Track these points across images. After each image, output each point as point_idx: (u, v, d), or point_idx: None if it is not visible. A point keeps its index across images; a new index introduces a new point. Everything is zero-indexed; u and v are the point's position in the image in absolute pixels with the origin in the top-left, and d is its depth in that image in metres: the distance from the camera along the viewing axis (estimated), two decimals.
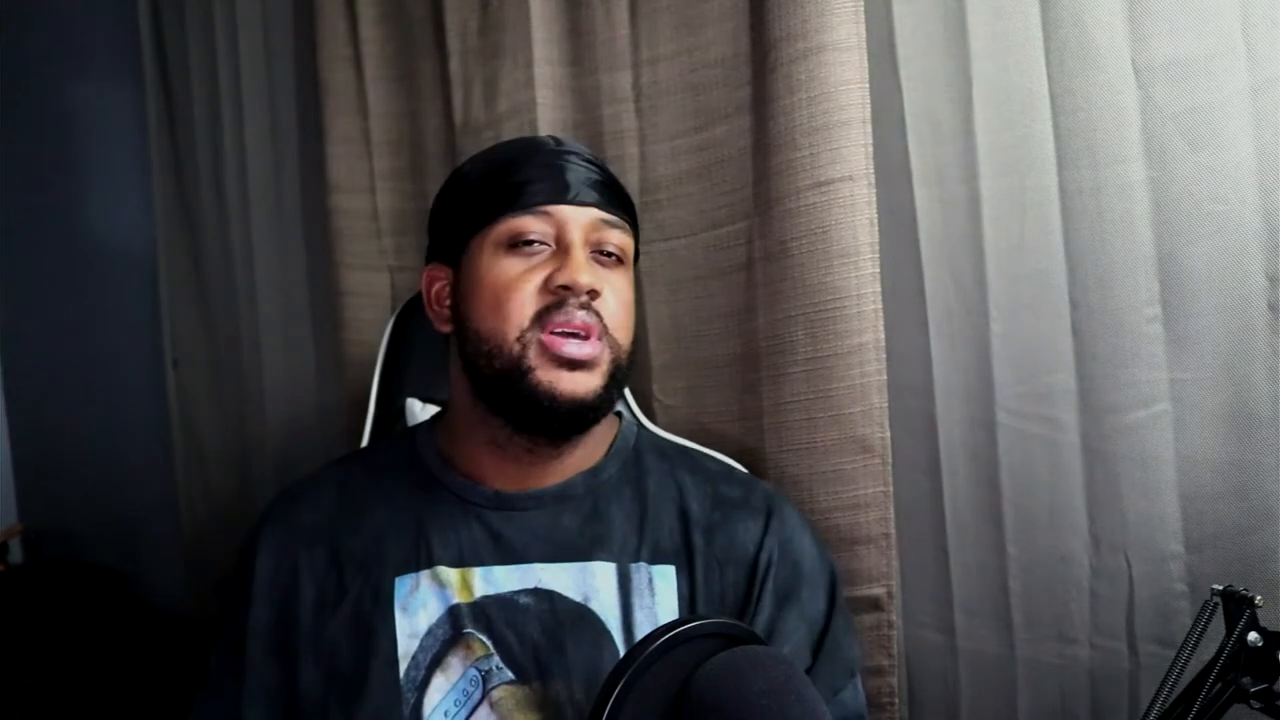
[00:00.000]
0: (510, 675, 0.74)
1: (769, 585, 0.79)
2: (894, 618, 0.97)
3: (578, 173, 0.79)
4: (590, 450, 0.83)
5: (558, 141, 0.83)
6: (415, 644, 0.75)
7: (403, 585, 0.77)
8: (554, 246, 0.77)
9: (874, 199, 0.94)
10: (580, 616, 0.76)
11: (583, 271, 0.75)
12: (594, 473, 0.82)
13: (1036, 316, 0.94)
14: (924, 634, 1.03)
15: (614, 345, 0.77)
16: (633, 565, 0.78)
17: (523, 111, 1.16)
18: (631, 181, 1.12)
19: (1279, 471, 0.85)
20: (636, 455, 0.86)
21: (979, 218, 0.96)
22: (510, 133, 1.16)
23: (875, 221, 0.94)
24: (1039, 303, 0.94)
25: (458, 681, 0.74)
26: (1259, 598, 0.74)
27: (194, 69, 1.60)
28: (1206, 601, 0.76)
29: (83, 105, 1.90)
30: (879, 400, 0.95)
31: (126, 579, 1.82)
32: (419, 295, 1.12)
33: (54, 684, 1.63)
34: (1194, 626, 0.75)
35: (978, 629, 1.00)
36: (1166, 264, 0.88)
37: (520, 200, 0.77)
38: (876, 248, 0.94)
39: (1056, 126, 0.92)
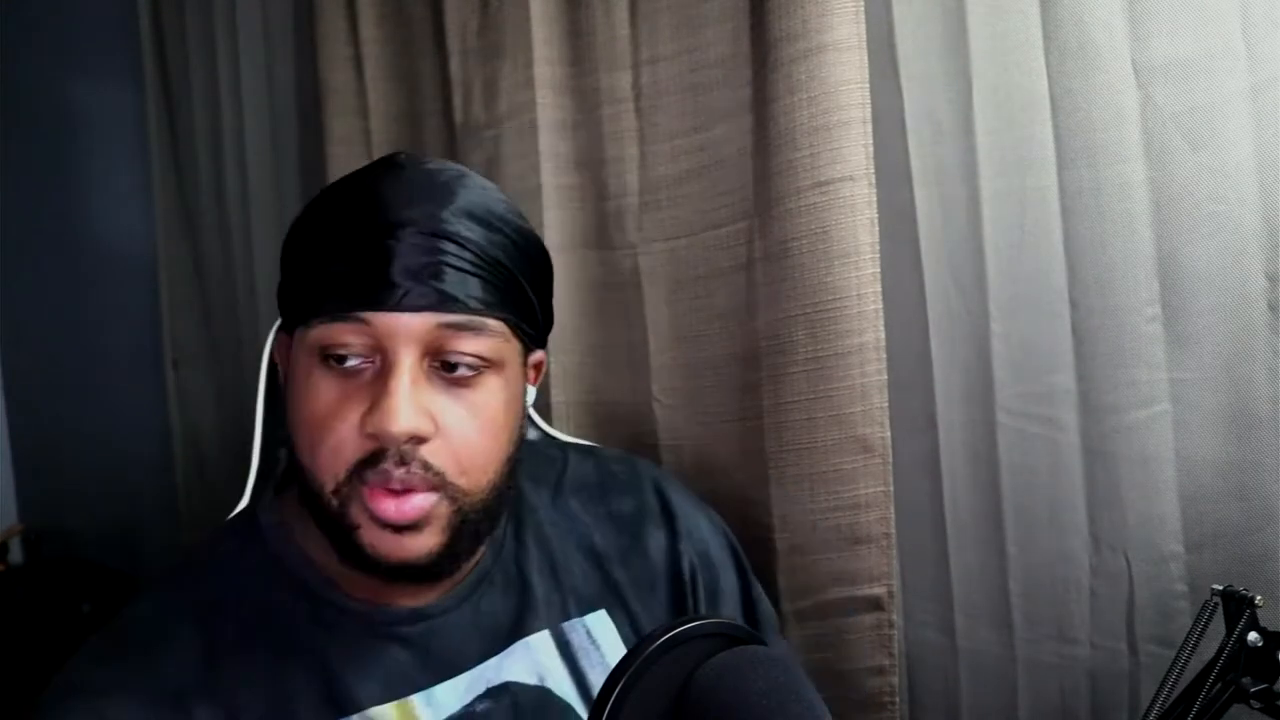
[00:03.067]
0: None
1: (700, 590, 0.77)
2: (894, 617, 0.97)
3: (410, 256, 0.58)
4: None
5: (407, 197, 0.60)
6: None
7: None
8: (376, 365, 0.60)
9: (874, 199, 0.94)
10: (541, 701, 0.69)
11: (398, 415, 0.57)
12: (493, 540, 0.71)
13: (1036, 316, 0.94)
14: (924, 634, 1.03)
15: (457, 494, 0.61)
16: (565, 625, 0.72)
17: (523, 111, 1.16)
18: (631, 181, 1.12)
19: (1279, 471, 0.85)
20: (517, 492, 0.74)
21: (979, 218, 0.96)
22: (510, 133, 1.16)
23: (876, 221, 0.94)
24: (1039, 303, 0.94)
25: None
26: (1259, 598, 0.74)
27: (194, 69, 1.60)
28: (1206, 601, 0.76)
29: (83, 105, 1.90)
30: (879, 400, 0.95)
31: (127, 579, 1.82)
32: None
33: None
34: (1194, 626, 0.75)
35: (978, 629, 1.00)
36: (1166, 264, 0.88)
37: (331, 302, 0.59)
38: (877, 248, 0.94)
39: (1056, 126, 0.92)
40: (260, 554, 0.68)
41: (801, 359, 0.97)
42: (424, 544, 0.61)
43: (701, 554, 0.79)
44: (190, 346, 1.67)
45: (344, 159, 1.33)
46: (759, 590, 0.84)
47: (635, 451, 0.96)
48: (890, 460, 0.95)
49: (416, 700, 0.65)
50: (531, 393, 0.70)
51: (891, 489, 0.96)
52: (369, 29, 1.31)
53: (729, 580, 0.81)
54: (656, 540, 0.77)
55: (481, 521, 0.64)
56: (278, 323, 0.95)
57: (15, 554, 1.93)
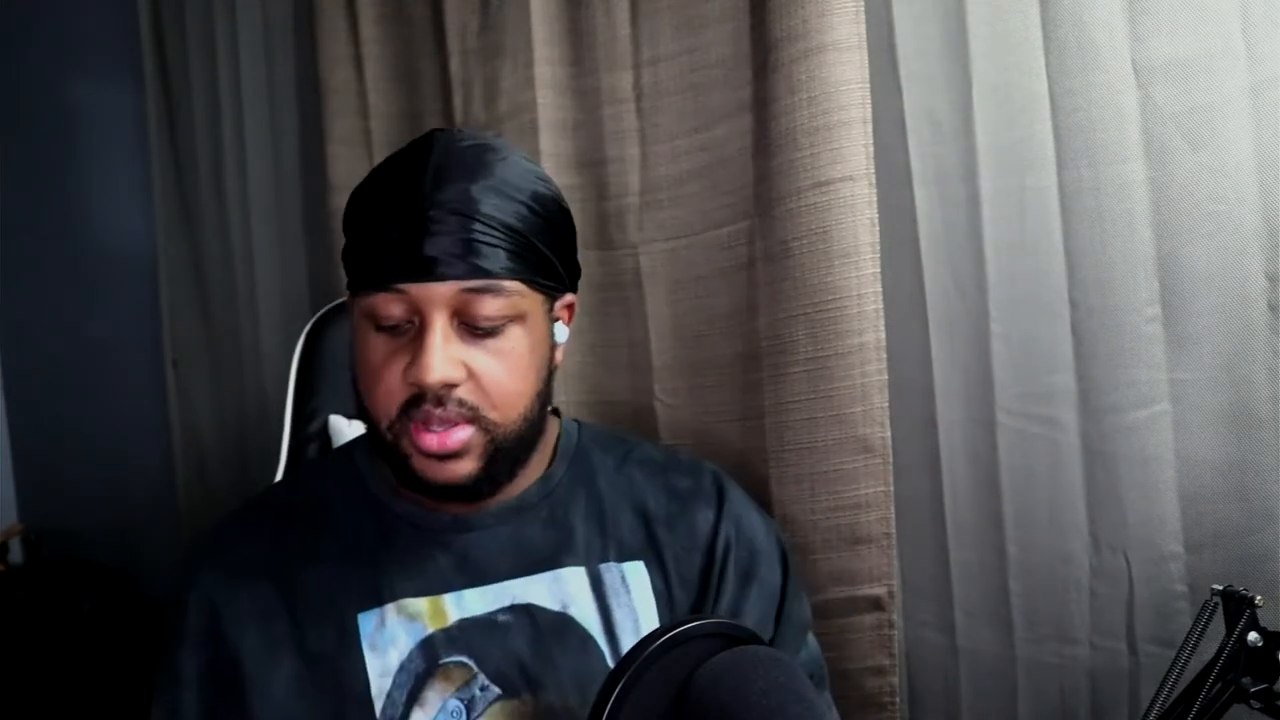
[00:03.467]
0: (498, 691, 0.73)
1: (729, 567, 0.81)
2: (895, 617, 0.97)
3: (440, 235, 0.67)
4: (535, 459, 0.79)
5: (435, 177, 0.69)
6: (389, 682, 0.72)
7: (367, 622, 0.74)
8: (416, 324, 0.70)
9: (874, 199, 0.94)
10: (562, 625, 0.75)
11: (433, 368, 0.67)
12: (545, 480, 0.80)
13: (1036, 316, 0.94)
14: (924, 634, 1.03)
15: (491, 426, 0.71)
16: (602, 566, 0.78)
17: (523, 111, 1.16)
18: (632, 182, 1.12)
19: (1279, 472, 0.85)
20: (581, 453, 0.83)
21: (979, 218, 0.96)
22: (510, 133, 1.16)
23: (876, 221, 0.94)
24: (1039, 303, 0.94)
25: (436, 715, 0.72)
26: (1259, 598, 0.74)
27: (194, 69, 1.60)
28: (1206, 601, 0.77)
29: (83, 105, 1.90)
30: (880, 400, 0.95)
31: (127, 578, 1.82)
32: (340, 304, 1.11)
33: (54, 684, 1.63)
34: (1194, 626, 0.76)
35: (978, 629, 1.00)
36: (1166, 264, 0.88)
37: (376, 275, 0.69)
38: (877, 248, 0.94)
39: (1056, 126, 0.92)
40: (344, 471, 0.82)
41: (802, 359, 0.97)
42: (463, 469, 0.71)
43: (745, 540, 0.83)
44: (190, 346, 1.67)
45: (344, 159, 1.33)
46: (797, 589, 0.85)
47: None
48: (890, 460, 0.96)
49: (447, 599, 0.75)
50: (564, 331, 0.79)
51: (892, 489, 0.96)
52: (369, 29, 1.31)
53: (770, 572, 0.83)
54: (704, 516, 0.82)
55: (516, 448, 0.74)
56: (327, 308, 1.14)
57: (15, 554, 1.93)
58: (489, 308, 0.69)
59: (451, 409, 0.69)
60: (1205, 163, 0.86)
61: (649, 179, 1.12)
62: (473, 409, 0.70)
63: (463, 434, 0.70)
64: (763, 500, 1.00)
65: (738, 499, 0.85)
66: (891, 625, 0.97)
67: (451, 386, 0.69)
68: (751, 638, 0.65)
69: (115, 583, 1.81)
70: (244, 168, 1.55)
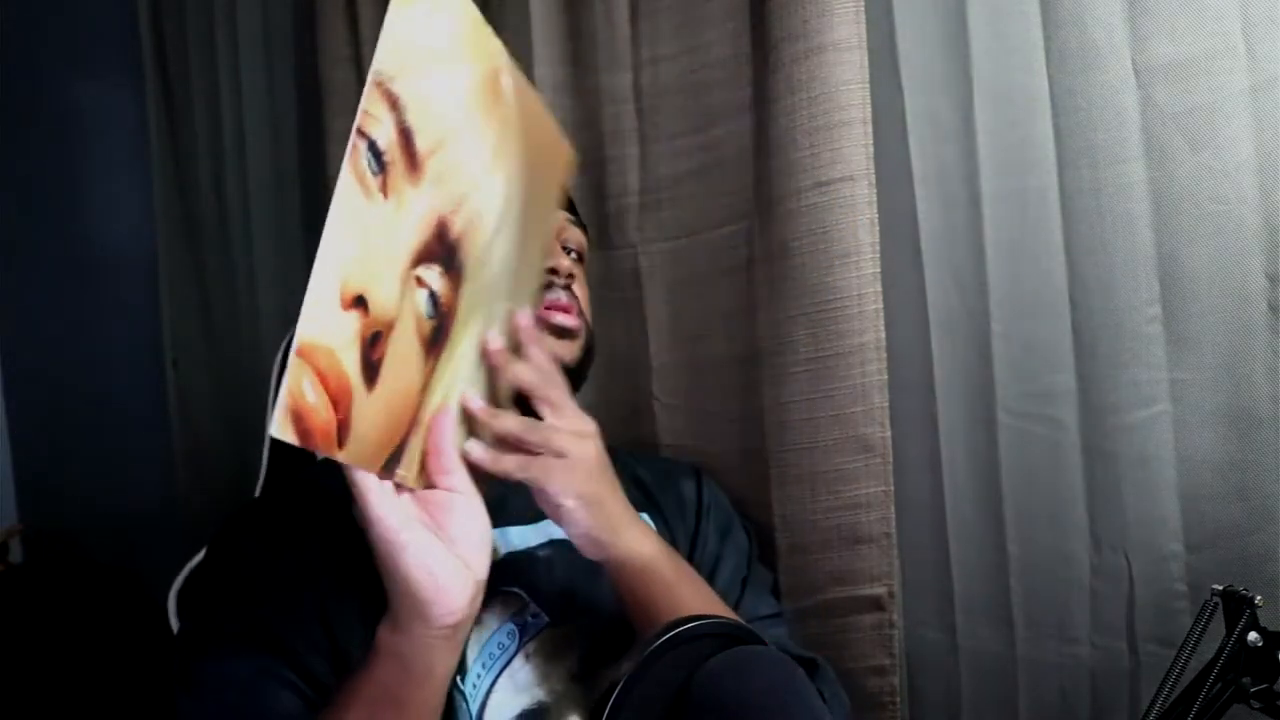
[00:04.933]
0: (545, 620, 0.79)
1: (711, 523, 0.94)
2: (895, 617, 0.97)
3: None
4: None
5: None
6: None
7: None
8: None
9: (875, 199, 0.94)
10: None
11: (564, 258, 0.89)
12: None
13: (1037, 316, 0.94)
14: (925, 633, 1.03)
15: (587, 324, 0.91)
16: None
17: None
18: (631, 181, 1.12)
19: (1279, 471, 0.85)
20: None
21: (979, 218, 0.96)
22: None
23: (876, 221, 0.94)
24: (1039, 303, 0.94)
25: (494, 634, 0.77)
26: (1259, 598, 0.74)
27: (194, 69, 1.60)
28: (1206, 601, 0.77)
29: (83, 105, 1.90)
30: (880, 400, 0.95)
31: (127, 578, 1.82)
32: None
33: (54, 684, 1.63)
34: (1194, 626, 0.76)
35: (978, 628, 1.00)
36: (1166, 264, 0.88)
37: None
38: (877, 248, 0.94)
39: (1057, 127, 0.92)
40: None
41: (802, 359, 0.97)
42: (573, 350, 0.88)
43: (721, 506, 0.97)
44: (190, 346, 1.67)
45: (344, 159, 1.33)
46: (758, 557, 0.97)
47: None
48: (891, 460, 0.96)
49: (494, 534, 0.76)
50: None
51: (892, 489, 0.96)
52: (369, 29, 1.31)
53: (739, 535, 0.96)
54: (688, 484, 0.97)
55: (585, 357, 0.91)
56: None
57: (15, 554, 1.93)
58: (576, 236, 0.94)
59: (571, 296, 0.89)
60: (1205, 163, 0.86)
61: (649, 179, 1.12)
62: (577, 299, 0.90)
63: (576, 320, 0.89)
64: (763, 500, 1.01)
65: (710, 481, 0.99)
66: (892, 625, 0.97)
67: (572, 278, 0.89)
68: (751, 637, 0.65)
69: (115, 582, 1.81)
70: (244, 168, 1.55)
